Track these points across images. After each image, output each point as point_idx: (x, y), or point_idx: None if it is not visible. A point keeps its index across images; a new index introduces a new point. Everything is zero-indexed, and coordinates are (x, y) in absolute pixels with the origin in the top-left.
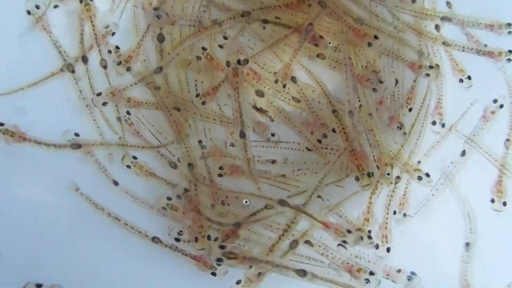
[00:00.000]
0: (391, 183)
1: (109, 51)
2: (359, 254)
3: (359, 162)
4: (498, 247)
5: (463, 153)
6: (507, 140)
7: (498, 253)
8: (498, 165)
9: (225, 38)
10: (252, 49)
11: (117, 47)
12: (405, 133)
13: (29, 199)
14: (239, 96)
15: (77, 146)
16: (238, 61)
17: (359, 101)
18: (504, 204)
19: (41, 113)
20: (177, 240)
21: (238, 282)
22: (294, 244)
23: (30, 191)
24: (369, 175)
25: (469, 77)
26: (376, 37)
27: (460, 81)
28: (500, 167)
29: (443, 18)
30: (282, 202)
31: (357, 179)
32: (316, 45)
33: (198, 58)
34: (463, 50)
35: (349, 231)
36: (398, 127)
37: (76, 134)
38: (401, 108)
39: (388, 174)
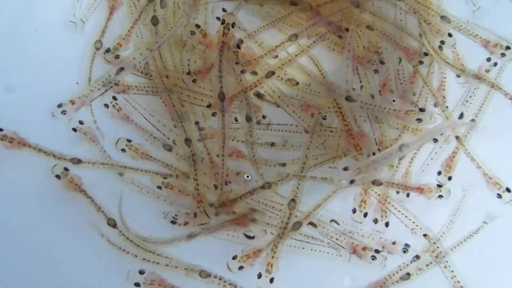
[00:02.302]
0: (392, 166)
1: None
2: (353, 229)
3: (356, 142)
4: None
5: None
6: (472, 120)
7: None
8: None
9: (218, 19)
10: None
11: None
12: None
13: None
14: (221, 61)
15: (77, 161)
16: (232, 25)
17: (360, 81)
18: (449, 178)
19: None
20: (173, 223)
21: (234, 257)
22: (297, 225)
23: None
24: (368, 156)
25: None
26: (368, 27)
27: (457, 76)
28: (459, 144)
29: (443, 17)
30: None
31: (355, 159)
32: (340, 37)
33: (192, 33)
34: (459, 30)
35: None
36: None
37: (81, 122)
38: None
39: None
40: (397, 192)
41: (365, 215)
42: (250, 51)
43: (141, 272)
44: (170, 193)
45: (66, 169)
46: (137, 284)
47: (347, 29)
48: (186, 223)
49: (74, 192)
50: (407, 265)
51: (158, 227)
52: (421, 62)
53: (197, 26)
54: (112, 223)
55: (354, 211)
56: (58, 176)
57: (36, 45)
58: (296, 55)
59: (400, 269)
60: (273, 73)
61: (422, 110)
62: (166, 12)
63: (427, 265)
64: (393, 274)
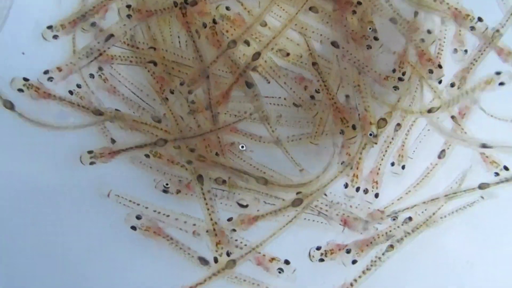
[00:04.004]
0: (375, 143)
1: None
2: (340, 200)
3: (342, 115)
4: None
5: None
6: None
7: None
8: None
9: None
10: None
11: None
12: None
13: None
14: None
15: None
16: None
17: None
18: (403, 167)
19: None
20: (165, 192)
21: (230, 219)
22: (297, 202)
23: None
24: (354, 127)
25: (465, 51)
26: (359, 2)
27: (454, 51)
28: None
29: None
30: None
31: (341, 132)
32: (355, 12)
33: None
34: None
35: None
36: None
37: (78, 86)
38: (393, 73)
39: (371, 134)
40: (392, 164)
41: (357, 189)
42: (240, 18)
43: (138, 217)
44: (159, 162)
45: (25, 79)
46: (133, 228)
47: (359, 3)
48: (178, 191)
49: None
50: (398, 227)
51: (150, 198)
52: (422, 40)
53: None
54: (98, 113)
55: (346, 186)
56: (21, 90)
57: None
58: (282, 29)
59: (390, 231)
60: (259, 54)
61: (400, 79)
62: None
63: (416, 228)
64: (382, 235)
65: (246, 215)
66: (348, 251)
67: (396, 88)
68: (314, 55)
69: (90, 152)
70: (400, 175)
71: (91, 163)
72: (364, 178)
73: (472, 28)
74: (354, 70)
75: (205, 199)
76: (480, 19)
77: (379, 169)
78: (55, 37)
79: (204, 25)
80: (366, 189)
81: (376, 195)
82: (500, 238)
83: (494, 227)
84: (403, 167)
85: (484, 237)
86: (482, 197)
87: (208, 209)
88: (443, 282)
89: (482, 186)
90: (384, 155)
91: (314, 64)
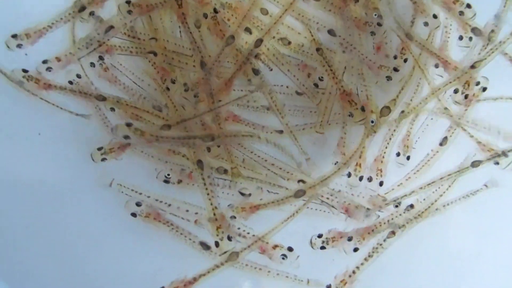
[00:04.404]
0: (375, 132)
1: None
2: (341, 188)
3: (351, 98)
4: None
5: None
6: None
7: None
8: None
9: None
10: None
11: None
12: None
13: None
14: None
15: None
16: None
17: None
18: (408, 158)
19: None
20: (166, 182)
21: (230, 206)
22: (300, 193)
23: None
24: (363, 109)
25: (470, 38)
26: None
27: (459, 38)
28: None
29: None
30: None
31: (350, 115)
32: (357, 0)
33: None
34: None
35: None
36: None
37: (78, 76)
38: (395, 59)
39: (372, 121)
40: (397, 155)
41: (361, 178)
42: (241, 5)
43: (138, 204)
44: (160, 152)
45: (24, 70)
46: (133, 214)
47: None
48: (180, 181)
49: (45, 90)
50: (400, 214)
51: (152, 188)
52: (426, 24)
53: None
54: (101, 98)
55: (349, 175)
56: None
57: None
58: (282, 14)
59: (392, 219)
60: (261, 40)
61: (395, 69)
62: None
63: (418, 216)
64: (384, 223)
65: (247, 203)
66: (350, 239)
67: (389, 78)
68: (317, 40)
69: (100, 148)
70: (405, 166)
71: (103, 160)
72: (369, 166)
73: (461, 13)
74: (357, 58)
75: (204, 184)
76: (468, 6)
77: (383, 157)
78: (19, 46)
79: (205, 16)
80: (370, 177)
81: (381, 183)
82: (507, 227)
83: (500, 216)
84: (408, 158)
85: (490, 227)
86: (486, 186)
87: (208, 194)
88: (446, 271)
89: (474, 164)
90: (388, 143)
91: (318, 49)
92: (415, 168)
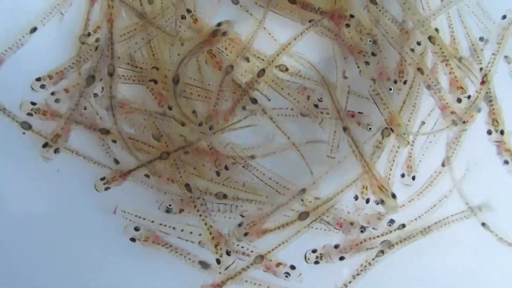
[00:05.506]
0: (408, 143)
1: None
2: (337, 206)
3: (380, 183)
4: None
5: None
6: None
7: None
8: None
9: None
10: None
11: None
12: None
13: None
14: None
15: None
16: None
17: (358, 67)
18: (413, 178)
19: None
20: (168, 212)
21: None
22: (304, 215)
23: None
24: (394, 196)
25: (469, 97)
26: (352, 16)
27: (458, 101)
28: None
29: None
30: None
31: (382, 202)
32: (348, 25)
33: (183, 17)
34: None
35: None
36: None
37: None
38: (395, 84)
39: (404, 134)
40: (402, 176)
41: (367, 201)
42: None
43: (137, 229)
44: (159, 181)
45: (33, 103)
46: (132, 239)
47: (352, 16)
48: (181, 211)
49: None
50: (390, 231)
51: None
52: (412, 50)
53: (188, 11)
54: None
55: (356, 198)
56: (30, 114)
57: None
58: (284, 49)
59: (382, 235)
60: (264, 71)
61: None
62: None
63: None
64: (374, 237)
65: (254, 227)
66: (336, 246)
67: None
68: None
69: (102, 178)
70: (411, 186)
71: (106, 189)
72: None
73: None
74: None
75: (195, 206)
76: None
77: (389, 179)
78: (42, 86)
79: (183, 17)
80: (381, 200)
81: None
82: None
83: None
84: (413, 178)
85: (487, 244)
86: (479, 209)
87: (200, 215)
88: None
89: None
90: (392, 165)
91: (345, 129)
92: (418, 190)
